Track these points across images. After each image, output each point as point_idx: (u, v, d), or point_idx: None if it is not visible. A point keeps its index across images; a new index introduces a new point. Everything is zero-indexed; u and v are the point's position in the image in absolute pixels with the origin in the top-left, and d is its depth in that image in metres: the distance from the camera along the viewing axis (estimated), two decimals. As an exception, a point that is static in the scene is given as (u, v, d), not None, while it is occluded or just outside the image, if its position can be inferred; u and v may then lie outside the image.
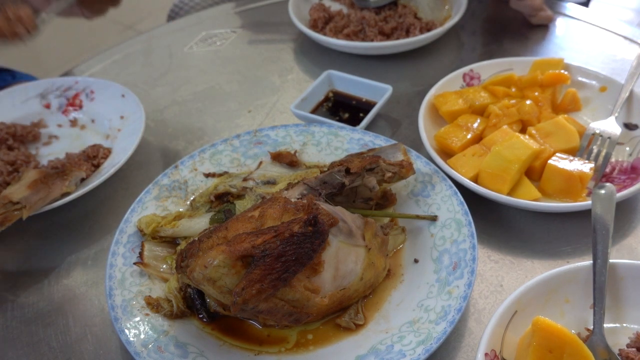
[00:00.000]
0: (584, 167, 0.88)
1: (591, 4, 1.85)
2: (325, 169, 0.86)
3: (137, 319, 0.75)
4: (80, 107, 1.21)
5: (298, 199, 0.77)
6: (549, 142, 0.94)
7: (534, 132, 0.96)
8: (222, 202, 0.91)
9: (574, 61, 1.10)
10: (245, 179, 0.92)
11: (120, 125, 1.13)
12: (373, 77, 1.16)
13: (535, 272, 0.83)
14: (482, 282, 0.82)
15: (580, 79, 1.09)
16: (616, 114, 0.99)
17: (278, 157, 0.97)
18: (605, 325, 0.68)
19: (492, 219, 0.91)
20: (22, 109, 1.21)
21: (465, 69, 1.12)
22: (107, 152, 1.08)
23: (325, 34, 1.33)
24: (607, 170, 0.94)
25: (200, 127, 1.18)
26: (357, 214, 0.79)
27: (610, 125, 0.97)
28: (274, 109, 1.22)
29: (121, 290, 0.78)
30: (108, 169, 1.00)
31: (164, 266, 0.84)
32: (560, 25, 1.37)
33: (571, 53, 1.28)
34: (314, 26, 1.37)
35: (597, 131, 0.97)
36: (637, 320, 0.71)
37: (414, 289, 0.78)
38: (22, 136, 1.14)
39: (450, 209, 0.84)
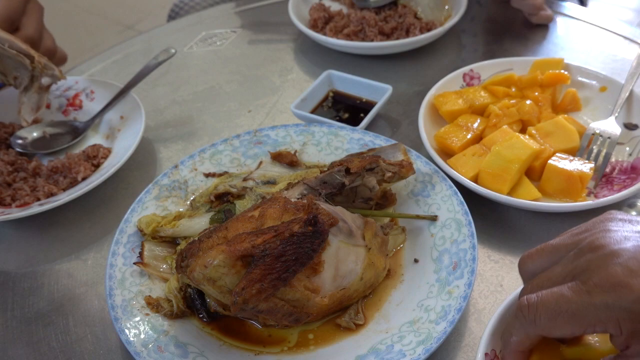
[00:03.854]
0: (584, 167, 0.88)
1: (590, 3, 1.85)
2: (325, 169, 0.86)
3: (137, 319, 0.75)
4: (80, 107, 1.21)
5: (298, 199, 0.77)
6: (549, 142, 0.94)
7: (534, 132, 0.96)
8: (222, 202, 0.91)
9: (574, 61, 1.10)
10: (245, 179, 0.92)
11: (120, 125, 1.13)
12: (373, 77, 1.16)
13: (535, 272, 0.83)
14: (482, 282, 0.82)
15: (580, 79, 1.09)
16: (616, 114, 0.99)
17: (278, 157, 0.97)
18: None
19: (492, 219, 0.91)
20: (22, 109, 1.20)
21: (465, 69, 1.12)
22: (107, 152, 1.08)
23: (325, 34, 1.33)
24: (607, 170, 0.94)
25: (200, 127, 1.18)
26: (357, 214, 0.79)
27: (610, 125, 0.97)
28: (274, 109, 1.22)
29: (121, 290, 0.78)
30: (108, 169, 1.00)
31: (164, 266, 0.84)
32: (560, 25, 1.37)
33: (571, 53, 1.28)
34: (314, 26, 1.37)
35: (597, 131, 0.97)
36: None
37: (414, 289, 0.78)
38: (22, 136, 1.14)
39: (450, 209, 0.84)
